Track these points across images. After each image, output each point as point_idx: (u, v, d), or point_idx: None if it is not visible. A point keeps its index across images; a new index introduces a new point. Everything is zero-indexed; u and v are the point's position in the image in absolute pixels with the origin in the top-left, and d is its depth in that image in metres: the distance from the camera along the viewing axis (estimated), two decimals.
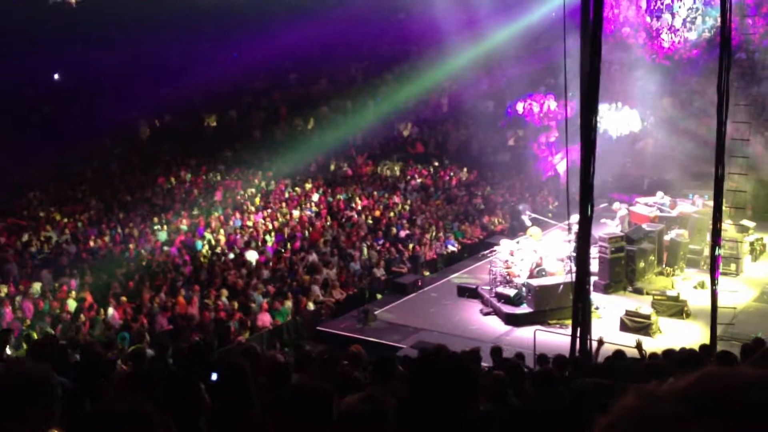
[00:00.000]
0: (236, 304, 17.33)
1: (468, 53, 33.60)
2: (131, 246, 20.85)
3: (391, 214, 24.15)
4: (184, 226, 22.60)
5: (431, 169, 28.94)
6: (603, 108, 25.80)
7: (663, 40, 33.84)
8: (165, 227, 22.53)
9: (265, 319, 17.15)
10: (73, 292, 17.39)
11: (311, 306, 18.30)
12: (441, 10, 36.12)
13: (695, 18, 34.32)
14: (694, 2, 35.33)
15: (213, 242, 21.59)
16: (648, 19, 35.16)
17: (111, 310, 16.44)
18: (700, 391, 0.94)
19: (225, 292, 17.76)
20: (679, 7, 35.37)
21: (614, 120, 28.59)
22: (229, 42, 40.75)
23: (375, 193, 26.32)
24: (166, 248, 20.80)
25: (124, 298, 16.99)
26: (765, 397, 0.91)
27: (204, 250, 20.89)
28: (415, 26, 40.09)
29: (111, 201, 25.15)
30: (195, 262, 19.94)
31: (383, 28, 40.62)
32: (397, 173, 28.71)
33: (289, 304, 17.89)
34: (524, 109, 30.81)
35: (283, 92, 35.49)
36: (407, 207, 24.87)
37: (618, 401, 0.97)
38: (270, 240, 21.91)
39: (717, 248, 14.71)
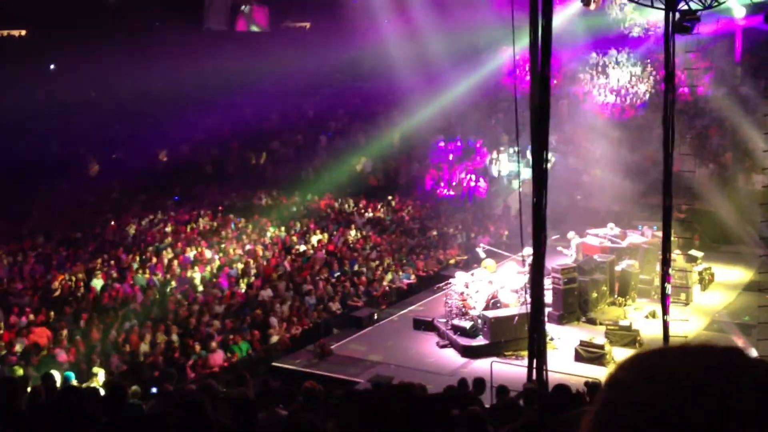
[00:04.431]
0: (190, 341, 17.03)
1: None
2: (81, 284, 20.40)
3: (346, 248, 24.10)
4: (135, 263, 22.21)
5: (385, 203, 29.02)
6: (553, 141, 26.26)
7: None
8: (115, 263, 22.11)
9: (217, 357, 16.87)
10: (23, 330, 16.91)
11: (271, 340, 18.09)
12: (392, 46, 36.48)
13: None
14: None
15: (165, 278, 21.24)
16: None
17: (59, 350, 16.02)
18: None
19: (176, 329, 17.46)
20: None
21: (564, 153, 29.13)
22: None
23: (330, 226, 26.27)
24: (117, 285, 20.39)
25: (78, 337, 16.60)
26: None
27: (155, 287, 20.52)
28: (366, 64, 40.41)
29: (59, 238, 24.61)
30: (147, 298, 19.58)
31: (335, 64, 40.85)
32: (352, 207, 28.73)
33: (243, 340, 17.63)
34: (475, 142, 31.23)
35: (234, 126, 35.32)
36: (362, 241, 24.86)
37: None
38: (223, 275, 21.64)
39: (666, 278, 15.04)
